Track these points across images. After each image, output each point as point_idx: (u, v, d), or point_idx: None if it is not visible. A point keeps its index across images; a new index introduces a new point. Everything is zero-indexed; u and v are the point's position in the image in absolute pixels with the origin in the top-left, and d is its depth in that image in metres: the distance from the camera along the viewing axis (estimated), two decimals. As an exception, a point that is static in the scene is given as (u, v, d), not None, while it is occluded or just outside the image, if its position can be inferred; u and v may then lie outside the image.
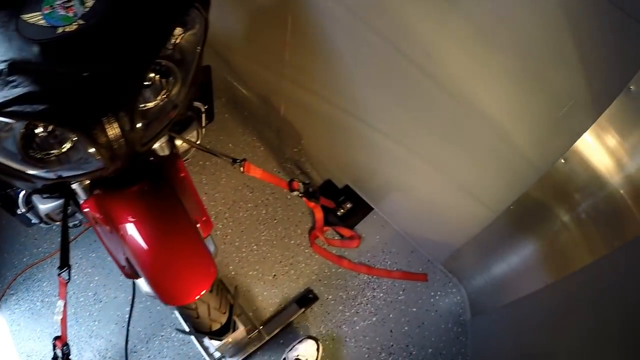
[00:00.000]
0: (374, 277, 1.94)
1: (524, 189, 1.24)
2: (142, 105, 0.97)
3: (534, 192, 1.22)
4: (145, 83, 0.97)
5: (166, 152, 1.25)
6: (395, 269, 1.95)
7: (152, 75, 0.98)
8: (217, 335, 1.37)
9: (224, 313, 1.35)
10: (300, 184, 1.72)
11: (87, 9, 0.86)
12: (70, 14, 0.85)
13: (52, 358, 1.35)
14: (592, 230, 1.09)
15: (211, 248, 1.44)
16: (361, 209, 2.04)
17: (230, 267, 1.98)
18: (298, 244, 2.01)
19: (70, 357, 1.36)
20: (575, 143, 1.02)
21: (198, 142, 1.47)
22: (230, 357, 1.74)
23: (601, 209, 1.03)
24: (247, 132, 2.37)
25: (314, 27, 1.56)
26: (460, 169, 1.44)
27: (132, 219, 1.09)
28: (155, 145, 1.18)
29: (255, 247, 2.02)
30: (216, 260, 1.42)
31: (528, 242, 1.35)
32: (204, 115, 1.54)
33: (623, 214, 0.96)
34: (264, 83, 2.27)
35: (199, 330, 1.34)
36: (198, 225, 1.28)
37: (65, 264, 1.17)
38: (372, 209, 2.03)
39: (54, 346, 1.35)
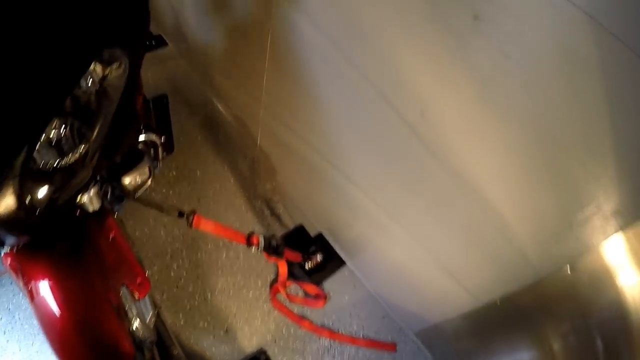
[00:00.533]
0: (337, 342, 1.72)
1: (515, 288, 1.04)
2: (40, 166, 0.80)
3: (526, 295, 1.02)
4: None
5: (96, 205, 1.06)
6: (361, 335, 1.75)
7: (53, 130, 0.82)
8: None
9: None
10: (261, 237, 1.51)
11: None
12: None
13: None
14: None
15: (147, 312, 1.33)
16: (332, 264, 1.84)
17: (180, 315, 1.75)
18: (257, 297, 1.80)
19: None
20: (589, 253, 0.81)
21: (149, 182, 1.32)
22: None
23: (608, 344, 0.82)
24: (219, 160, 2.18)
25: (294, 54, 1.37)
26: (444, 248, 1.24)
27: (43, 283, 0.97)
28: (84, 198, 1.01)
29: (209, 295, 1.80)
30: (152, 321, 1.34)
31: (509, 346, 1.15)
32: (160, 148, 1.44)
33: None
34: (243, 106, 2.08)
35: None
36: (130, 289, 1.18)
37: None
38: (343, 263, 1.82)
39: None
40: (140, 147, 1.40)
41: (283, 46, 1.42)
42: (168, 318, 1.74)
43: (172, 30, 2.66)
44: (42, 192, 0.81)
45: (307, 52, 1.31)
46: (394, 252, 1.49)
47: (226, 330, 1.73)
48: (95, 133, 0.84)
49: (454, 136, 0.99)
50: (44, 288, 0.96)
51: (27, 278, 0.99)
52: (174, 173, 2.14)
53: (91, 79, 0.85)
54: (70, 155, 0.84)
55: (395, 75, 1.07)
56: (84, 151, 0.84)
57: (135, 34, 0.92)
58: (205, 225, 1.39)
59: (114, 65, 0.86)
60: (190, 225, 1.36)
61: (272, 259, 1.60)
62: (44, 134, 0.80)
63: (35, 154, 0.80)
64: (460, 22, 0.81)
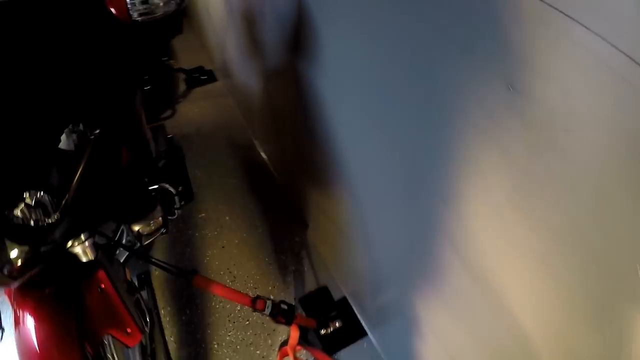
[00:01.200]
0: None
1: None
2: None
3: None
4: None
5: (91, 255, 1.10)
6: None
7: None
8: None
9: None
10: (269, 302, 1.40)
11: None
12: None
13: None
14: None
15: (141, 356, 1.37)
16: (351, 332, 1.66)
17: None
18: (264, 356, 1.66)
19: None
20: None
21: (163, 231, 1.44)
22: None
23: None
24: (250, 207, 2.11)
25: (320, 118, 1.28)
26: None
27: (28, 317, 0.99)
28: (78, 249, 1.07)
29: (216, 346, 1.70)
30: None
31: None
32: (177, 198, 1.52)
33: None
34: (279, 154, 2.02)
35: None
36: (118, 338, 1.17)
37: None
38: (364, 334, 1.64)
39: None
40: (152, 196, 1.40)
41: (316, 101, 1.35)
42: (174, 360, 1.66)
43: (221, 66, 2.69)
44: (17, 250, 0.81)
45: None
46: (415, 342, 1.30)
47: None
48: (68, 199, 0.85)
49: (483, 240, 0.82)
50: (28, 321, 0.98)
51: (17, 307, 1.02)
52: (203, 215, 2.10)
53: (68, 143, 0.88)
54: (46, 218, 0.84)
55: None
56: (58, 216, 0.85)
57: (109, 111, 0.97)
58: (207, 286, 1.34)
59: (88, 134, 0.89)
60: (191, 285, 1.33)
61: (282, 323, 1.46)
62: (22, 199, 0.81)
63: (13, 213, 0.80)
64: (490, 91, 0.66)
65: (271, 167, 2.24)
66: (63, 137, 0.88)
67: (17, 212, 0.81)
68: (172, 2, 0.94)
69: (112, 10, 0.92)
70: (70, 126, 0.89)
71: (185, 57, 3.01)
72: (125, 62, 1.07)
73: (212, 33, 2.69)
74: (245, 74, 2.16)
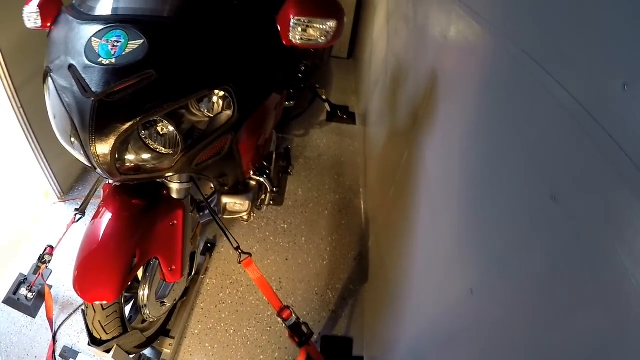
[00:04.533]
0: None
1: None
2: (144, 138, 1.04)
3: None
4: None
5: (180, 196, 1.32)
6: None
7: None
8: (94, 342, 1.31)
9: (107, 333, 1.31)
10: (294, 316, 1.49)
11: (125, 52, 0.96)
12: (112, 52, 0.97)
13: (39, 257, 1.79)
14: None
15: (167, 296, 1.54)
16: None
17: (199, 327, 1.83)
18: (266, 364, 1.71)
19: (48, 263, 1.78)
20: None
21: (245, 217, 1.66)
22: None
23: None
24: (328, 240, 2.24)
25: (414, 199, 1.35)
26: None
27: (107, 213, 1.21)
28: (174, 186, 1.29)
29: (232, 331, 1.83)
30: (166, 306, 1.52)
31: None
32: (266, 195, 1.75)
33: None
34: (373, 207, 2.11)
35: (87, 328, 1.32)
36: (162, 267, 1.37)
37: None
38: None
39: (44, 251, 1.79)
40: (251, 184, 1.60)
41: (412, 177, 1.43)
42: (192, 324, 1.83)
43: (363, 113, 2.91)
44: (131, 156, 1.03)
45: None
46: None
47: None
48: (184, 145, 1.05)
49: (502, 317, 0.81)
50: (105, 216, 1.21)
51: (103, 202, 1.25)
52: (285, 227, 2.28)
53: (208, 106, 1.10)
54: (162, 148, 1.05)
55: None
56: (170, 152, 1.05)
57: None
58: (252, 271, 1.48)
59: (226, 110, 1.11)
60: (239, 262, 1.46)
61: (293, 342, 1.51)
62: (159, 124, 1.04)
63: (144, 132, 1.03)
64: (534, 199, 0.70)
65: (363, 216, 2.34)
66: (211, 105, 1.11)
67: (147, 132, 1.03)
68: (325, 38, 1.13)
69: (279, 27, 1.14)
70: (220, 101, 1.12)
71: (338, 94, 3.32)
72: (273, 66, 1.29)
73: (366, 79, 2.93)
74: (376, 125, 2.33)
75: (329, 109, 3.01)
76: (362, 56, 3.28)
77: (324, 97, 2.92)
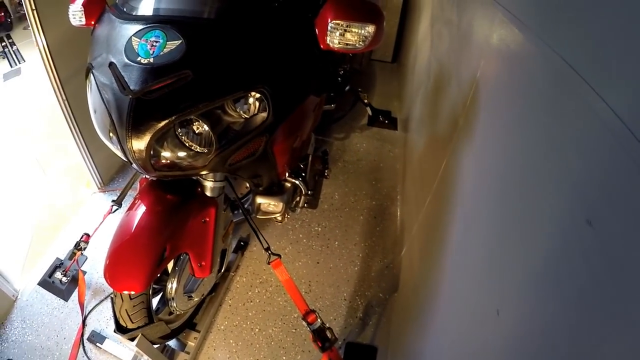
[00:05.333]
0: None
1: None
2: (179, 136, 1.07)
3: None
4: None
5: (214, 194, 1.34)
6: None
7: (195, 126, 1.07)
8: (120, 330, 1.36)
9: (132, 322, 1.35)
10: (320, 320, 1.48)
11: (163, 52, 0.99)
12: (151, 51, 1.00)
13: (75, 244, 1.92)
14: None
15: (195, 290, 1.57)
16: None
17: (225, 323, 1.86)
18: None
19: (84, 250, 1.92)
20: None
21: (278, 218, 1.67)
22: None
23: None
24: (361, 246, 2.21)
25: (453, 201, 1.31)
26: None
27: (141, 206, 1.25)
28: (208, 184, 1.32)
29: (257, 330, 1.84)
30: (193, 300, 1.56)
31: None
32: (301, 198, 1.76)
33: None
34: (408, 213, 2.07)
35: (114, 316, 1.37)
36: (191, 263, 1.40)
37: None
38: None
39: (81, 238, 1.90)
40: (286, 186, 1.61)
41: (449, 188, 1.38)
42: (218, 320, 1.86)
43: (405, 118, 2.86)
44: (166, 153, 1.06)
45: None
46: None
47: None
48: (218, 145, 1.07)
49: (526, 341, 0.77)
50: (139, 209, 1.25)
51: (139, 195, 1.29)
52: (319, 230, 2.27)
53: (244, 108, 1.11)
54: (196, 146, 1.07)
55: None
56: (205, 150, 1.07)
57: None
58: (280, 273, 1.48)
59: (261, 112, 1.12)
60: (269, 262, 1.46)
61: (316, 347, 1.50)
62: (195, 123, 1.06)
63: (179, 130, 1.05)
64: (569, 222, 0.65)
65: (398, 224, 2.29)
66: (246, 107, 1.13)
67: (183, 130, 1.05)
68: (363, 43, 1.11)
69: (317, 31, 1.14)
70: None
71: (381, 98, 3.27)
72: (310, 69, 1.29)
73: (409, 84, 2.88)
74: (417, 132, 2.28)
75: (370, 114, 2.98)
76: (406, 60, 3.23)
77: (366, 101, 2.89)
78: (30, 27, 1.84)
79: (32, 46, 1.89)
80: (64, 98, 2.04)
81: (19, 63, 4.11)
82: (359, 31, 1.10)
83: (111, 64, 1.02)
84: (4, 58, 4.22)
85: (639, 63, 0.52)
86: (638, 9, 0.54)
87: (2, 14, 4.77)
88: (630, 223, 0.51)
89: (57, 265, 2.00)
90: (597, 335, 0.54)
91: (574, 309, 0.60)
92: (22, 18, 5.27)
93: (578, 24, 0.70)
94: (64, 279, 1.94)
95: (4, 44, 4.51)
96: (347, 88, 2.52)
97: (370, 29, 1.09)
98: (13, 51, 4.34)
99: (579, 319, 0.58)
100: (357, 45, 1.11)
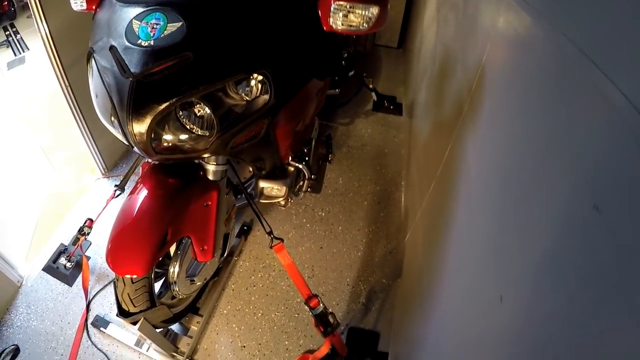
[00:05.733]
0: None
1: None
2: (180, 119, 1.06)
3: None
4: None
5: (216, 177, 1.34)
6: None
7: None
8: (122, 314, 1.38)
9: (135, 306, 1.36)
10: (322, 304, 1.48)
11: (163, 34, 0.98)
12: (151, 34, 0.99)
13: (79, 229, 1.92)
14: None
15: (197, 274, 1.56)
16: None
17: (228, 307, 1.88)
18: (288, 349, 1.74)
19: (87, 235, 1.92)
20: None
21: (282, 202, 1.68)
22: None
23: None
24: (365, 231, 2.21)
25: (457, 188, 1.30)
26: None
27: (143, 190, 1.25)
28: (210, 167, 1.31)
29: (260, 314, 1.86)
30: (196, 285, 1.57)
31: None
32: (304, 182, 1.76)
33: None
34: (411, 199, 2.06)
35: (117, 300, 1.38)
36: (193, 246, 1.40)
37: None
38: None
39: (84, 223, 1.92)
40: (289, 170, 1.60)
41: (452, 174, 1.37)
42: (221, 304, 1.87)
43: (409, 104, 2.84)
44: (167, 136, 1.06)
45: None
46: None
47: (242, 347, 1.74)
48: (219, 127, 1.06)
49: (529, 328, 0.76)
50: (141, 192, 1.25)
51: (141, 179, 1.29)
52: (322, 215, 2.27)
53: (245, 90, 1.10)
54: (198, 129, 1.07)
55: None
56: (206, 133, 1.07)
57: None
58: (283, 257, 1.48)
59: (263, 94, 1.11)
60: (271, 247, 1.46)
61: (319, 332, 1.51)
62: (196, 106, 1.05)
63: (180, 113, 1.05)
64: (576, 207, 0.64)
65: (402, 209, 2.29)
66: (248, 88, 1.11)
67: (184, 112, 1.05)
68: (367, 24, 1.09)
69: (320, 12, 1.12)
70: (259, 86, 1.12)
71: (386, 83, 3.24)
72: (313, 52, 1.27)
73: (415, 70, 2.85)
74: (422, 117, 2.26)
75: (375, 99, 2.95)
76: (412, 46, 3.19)
77: (371, 86, 2.87)
78: (32, 15, 1.83)
79: (35, 34, 1.87)
80: (67, 85, 2.03)
81: (23, 52, 4.08)
82: (363, 12, 1.08)
83: (112, 48, 1.00)
84: (7, 47, 4.20)
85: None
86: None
87: (6, 2, 4.75)
88: (638, 209, 0.50)
89: (62, 251, 2.01)
90: (600, 324, 0.53)
91: (577, 297, 0.59)
92: (26, 7, 5.22)
93: (587, 5, 0.68)
94: (68, 265, 1.95)
95: (7, 32, 4.48)
96: (352, 73, 2.49)
97: (374, 10, 1.07)
98: (17, 40, 4.31)
99: (582, 307, 0.58)
100: (360, 27, 1.09)
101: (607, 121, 0.58)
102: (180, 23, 0.98)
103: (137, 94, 0.96)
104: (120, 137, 1.09)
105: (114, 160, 2.57)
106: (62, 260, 1.97)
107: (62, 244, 2.05)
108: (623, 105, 0.54)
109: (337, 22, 1.10)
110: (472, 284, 1.04)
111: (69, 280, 1.94)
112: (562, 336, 0.61)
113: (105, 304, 1.86)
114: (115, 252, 1.18)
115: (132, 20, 1.01)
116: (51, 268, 1.96)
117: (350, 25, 1.10)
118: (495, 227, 0.94)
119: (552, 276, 0.67)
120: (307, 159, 1.72)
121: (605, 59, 0.60)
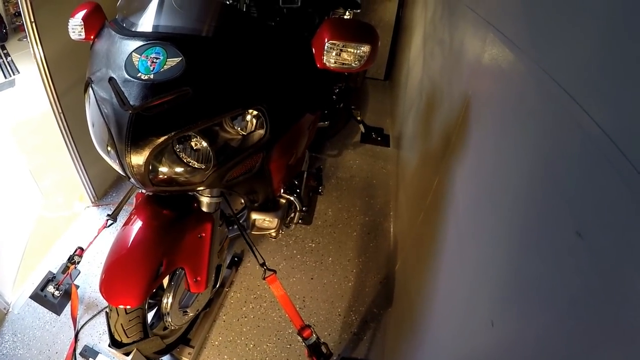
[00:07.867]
0: None
1: None
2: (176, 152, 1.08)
3: None
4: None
5: (210, 209, 1.36)
6: None
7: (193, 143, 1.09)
8: (115, 345, 1.36)
9: (127, 337, 1.34)
10: (315, 335, 1.48)
11: (163, 69, 1.01)
12: (151, 68, 1.02)
13: (69, 257, 1.90)
14: None
15: (190, 305, 1.56)
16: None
17: (220, 338, 1.84)
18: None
19: (78, 264, 1.90)
20: None
21: (273, 234, 1.68)
22: None
23: None
24: (354, 262, 2.23)
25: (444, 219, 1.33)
26: None
27: (137, 222, 1.26)
28: (204, 199, 1.33)
29: (251, 346, 1.82)
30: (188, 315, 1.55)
31: None
32: (296, 214, 1.77)
33: None
34: (401, 230, 2.08)
35: (109, 330, 1.36)
36: (187, 278, 1.39)
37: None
38: None
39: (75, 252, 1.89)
40: (281, 202, 1.63)
41: (441, 204, 1.41)
42: (212, 336, 1.85)
43: (397, 136, 2.90)
44: (164, 168, 1.08)
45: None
46: None
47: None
48: (216, 161, 1.09)
49: (521, 351, 0.78)
50: (135, 224, 1.25)
51: (135, 210, 1.30)
52: (312, 246, 2.29)
53: (241, 125, 1.13)
54: (194, 162, 1.09)
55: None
56: (202, 166, 1.09)
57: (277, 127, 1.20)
58: (276, 288, 1.49)
59: (259, 129, 1.14)
60: (264, 278, 1.46)
61: (310, 360, 1.50)
62: (193, 139, 1.07)
63: (178, 146, 1.07)
64: (560, 234, 0.67)
65: (392, 239, 2.31)
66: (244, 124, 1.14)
67: (181, 146, 1.07)
68: (359, 62, 1.14)
69: (313, 50, 1.17)
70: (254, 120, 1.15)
71: (374, 115, 3.32)
72: (307, 88, 1.32)
73: (401, 102, 2.93)
74: (410, 149, 2.31)
75: (363, 131, 3.02)
76: (399, 78, 3.29)
77: (358, 118, 2.94)
78: (28, 39, 1.85)
79: (26, 58, 1.91)
80: (60, 111, 2.04)
81: (14, 74, 4.08)
82: (355, 51, 1.13)
83: (111, 79, 1.03)
84: (-2, 69, 4.20)
85: (623, 82, 0.56)
86: (622, 33, 0.58)
87: (-2, 24, 4.77)
88: (618, 233, 0.54)
89: (50, 279, 1.98)
90: (589, 343, 0.56)
91: (567, 319, 0.62)
92: (17, 29, 5.28)
93: (566, 44, 0.73)
94: (57, 293, 1.92)
95: (-2, 54, 4.49)
96: (341, 106, 2.56)
97: (366, 48, 1.12)
98: (7, 62, 4.32)
99: (572, 329, 0.60)
100: (352, 64, 1.14)
101: (584, 151, 0.62)
102: (180, 58, 1.02)
103: (136, 126, 0.98)
104: (116, 167, 1.10)
105: (104, 189, 2.57)
106: (50, 288, 1.93)
107: (50, 272, 2.01)
108: (598, 134, 0.58)
109: (330, 60, 1.14)
110: (464, 310, 1.06)
111: (57, 309, 1.90)
112: (554, 356, 0.63)
113: (94, 334, 1.82)
114: (110, 283, 1.18)
115: (132, 53, 1.04)
116: (39, 296, 1.92)
117: (343, 63, 1.14)
118: (484, 254, 0.97)
119: (540, 299, 0.69)
120: (298, 191, 1.74)
121: (581, 93, 0.65)
